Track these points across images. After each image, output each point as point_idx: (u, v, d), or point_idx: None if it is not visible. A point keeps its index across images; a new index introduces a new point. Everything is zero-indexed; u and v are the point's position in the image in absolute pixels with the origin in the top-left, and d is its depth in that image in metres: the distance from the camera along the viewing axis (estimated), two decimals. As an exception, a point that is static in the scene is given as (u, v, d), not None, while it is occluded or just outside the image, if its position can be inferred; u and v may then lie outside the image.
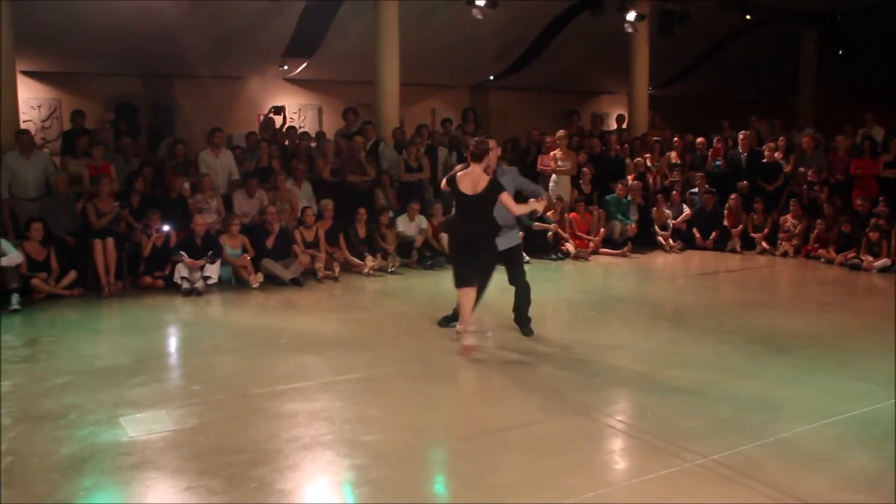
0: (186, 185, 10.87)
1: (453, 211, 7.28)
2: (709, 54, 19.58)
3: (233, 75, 15.98)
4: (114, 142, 11.90)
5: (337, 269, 10.62)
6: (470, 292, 6.86)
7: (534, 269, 11.42)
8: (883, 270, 11.07)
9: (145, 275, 9.80)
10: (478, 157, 6.73)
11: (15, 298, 8.52)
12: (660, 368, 6.48)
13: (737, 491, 4.13)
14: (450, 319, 7.53)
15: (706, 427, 5.04)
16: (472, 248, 6.87)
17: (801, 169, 13.42)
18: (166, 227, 9.97)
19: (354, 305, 9.39)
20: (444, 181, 7.07)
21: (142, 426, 5.06)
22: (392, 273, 11.00)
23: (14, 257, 8.75)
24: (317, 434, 4.95)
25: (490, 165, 6.90)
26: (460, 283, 6.90)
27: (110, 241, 9.57)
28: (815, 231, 12.34)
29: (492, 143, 6.95)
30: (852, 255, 11.52)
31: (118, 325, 8.60)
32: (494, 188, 6.67)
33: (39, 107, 14.61)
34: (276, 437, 4.89)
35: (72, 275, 9.36)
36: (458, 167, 7.08)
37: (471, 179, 6.70)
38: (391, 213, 11.71)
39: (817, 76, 18.74)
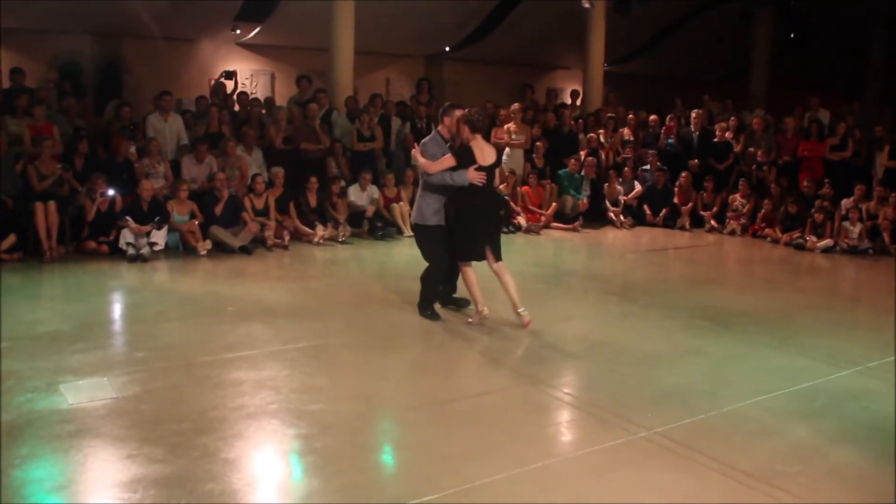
0: (133, 149, 10.61)
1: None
2: (665, 33, 19.70)
3: (184, 37, 15.62)
4: (57, 102, 11.56)
5: (287, 238, 10.51)
6: (472, 269, 6.75)
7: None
8: (826, 251, 11.32)
9: (89, 240, 9.58)
10: (480, 128, 6.68)
11: (-49, 261, 8.26)
12: (608, 342, 6.54)
13: (681, 463, 4.19)
14: (450, 302, 7.36)
15: (652, 400, 5.10)
16: (493, 216, 6.91)
17: (751, 149, 13.62)
18: (111, 192, 9.73)
19: (304, 275, 9.30)
20: (449, 156, 6.58)
21: (82, 393, 4.94)
22: (342, 243, 10.92)
23: (-50, 218, 8.47)
24: (262, 403, 4.89)
25: (463, 135, 6.69)
26: (478, 255, 6.70)
27: (52, 204, 9.30)
28: (763, 211, 12.56)
29: (459, 111, 6.83)
30: (797, 235, 11.75)
31: (60, 291, 8.39)
32: (500, 159, 6.69)
33: (-23, 64, 14.08)
34: (221, 406, 4.82)
35: (11, 238, 9.08)
36: (428, 139, 6.94)
37: (481, 150, 6.60)
38: (343, 183, 11.59)
39: (770, 58, 18.97)
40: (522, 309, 6.70)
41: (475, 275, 6.76)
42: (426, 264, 6.98)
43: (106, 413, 4.67)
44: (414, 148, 6.81)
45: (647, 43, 20.06)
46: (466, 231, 6.66)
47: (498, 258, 6.82)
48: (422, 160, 6.69)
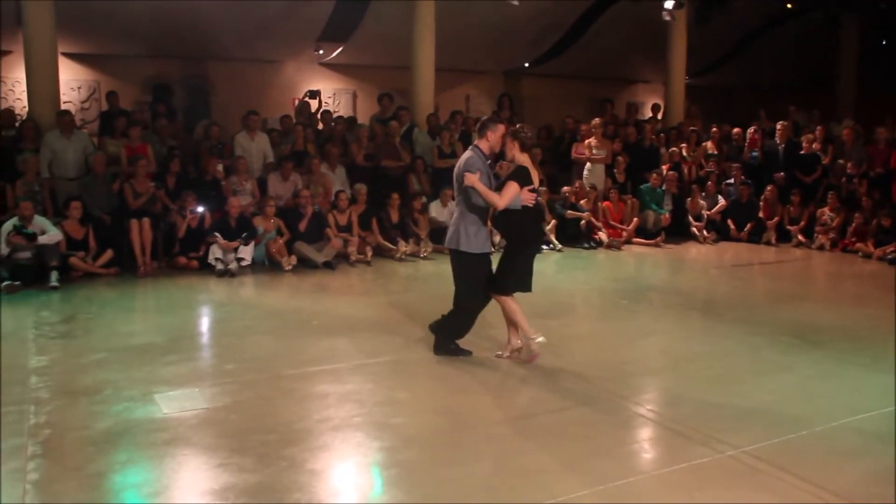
0: (220, 168, 10.96)
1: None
2: (747, 42, 19.27)
3: (268, 59, 16.07)
4: (150, 123, 12.04)
5: (369, 254, 10.67)
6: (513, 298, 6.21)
7: (566, 258, 11.43)
8: (922, 265, 10.88)
9: (180, 255, 9.93)
10: (530, 147, 6.29)
11: (54, 276, 8.67)
12: (691, 358, 6.45)
13: (769, 483, 4.10)
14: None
15: (738, 419, 5.00)
16: (540, 242, 6.44)
17: (840, 161, 13.21)
18: (201, 209, 10.07)
19: (386, 290, 9.42)
20: (514, 185, 5.96)
21: (175, 403, 5.14)
22: (424, 258, 11.02)
23: (53, 235, 8.90)
24: (347, 416, 4.99)
25: (511, 153, 6.13)
26: (527, 286, 6.18)
27: (146, 221, 9.70)
28: (853, 224, 12.14)
29: (502, 125, 6.22)
30: (891, 249, 11.33)
31: (153, 305, 8.71)
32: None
33: (79, 88, 14.83)
34: (306, 418, 4.94)
35: (108, 254, 9.50)
36: (470, 158, 6.07)
37: (533, 171, 6.19)
38: (424, 199, 11.72)
39: (858, 66, 18.37)
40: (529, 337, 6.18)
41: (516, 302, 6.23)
42: None
43: (198, 423, 4.85)
44: (466, 178, 5.94)
45: (729, 53, 19.64)
46: (523, 261, 6.14)
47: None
48: (492, 196, 5.92)
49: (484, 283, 6.20)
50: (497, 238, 6.03)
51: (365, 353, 6.41)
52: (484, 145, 6.12)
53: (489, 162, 6.19)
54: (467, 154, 6.15)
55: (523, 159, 6.11)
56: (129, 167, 10.37)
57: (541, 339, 6.14)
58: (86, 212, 9.58)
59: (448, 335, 6.37)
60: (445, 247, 6.43)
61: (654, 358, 6.52)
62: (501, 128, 6.16)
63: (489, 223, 6.27)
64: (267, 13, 13.74)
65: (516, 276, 6.13)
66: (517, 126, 6.29)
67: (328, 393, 5.43)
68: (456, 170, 6.21)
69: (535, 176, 6.18)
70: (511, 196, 5.92)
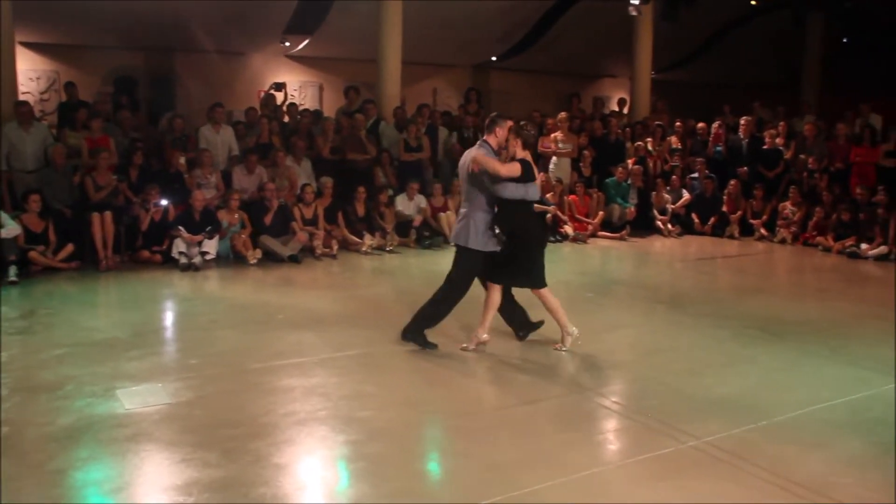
0: (182, 160, 10.82)
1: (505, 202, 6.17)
2: (713, 39, 19.48)
3: (234, 51, 15.91)
4: (112, 115, 11.86)
5: (335, 247, 10.62)
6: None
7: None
8: (880, 259, 11.07)
9: (143, 249, 9.80)
10: (531, 144, 6.38)
11: (13, 270, 8.51)
12: (656, 351, 6.52)
13: (731, 473, 4.15)
14: (529, 327, 6.67)
15: (701, 410, 5.06)
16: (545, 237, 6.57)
17: (802, 156, 13.40)
18: (164, 202, 9.95)
19: (352, 283, 9.40)
20: (517, 164, 6.04)
21: (138, 399, 5.07)
22: (390, 252, 11.00)
23: (12, 229, 8.73)
24: (313, 409, 4.96)
25: (513, 149, 6.18)
26: (543, 282, 6.30)
27: (108, 214, 9.54)
28: (814, 219, 12.34)
29: (509, 122, 6.30)
30: (850, 243, 11.52)
31: (115, 299, 8.60)
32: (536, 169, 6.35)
33: (38, 78, 14.55)
34: (272, 412, 4.91)
35: (69, 248, 9.34)
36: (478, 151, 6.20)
37: (534, 167, 6.28)
38: (390, 192, 11.69)
39: (822, 64, 18.64)
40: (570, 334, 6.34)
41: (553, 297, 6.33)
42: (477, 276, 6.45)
43: (161, 418, 4.79)
44: (473, 154, 6.13)
45: (696, 50, 19.84)
46: (537, 255, 6.27)
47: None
48: (491, 162, 6.01)
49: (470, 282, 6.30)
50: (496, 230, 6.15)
51: (331, 346, 6.38)
52: (493, 140, 6.25)
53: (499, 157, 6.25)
54: (476, 148, 6.28)
55: (525, 156, 6.19)
56: (91, 159, 10.18)
57: (575, 331, 6.32)
58: (45, 205, 9.39)
59: (422, 322, 6.34)
60: (452, 243, 6.51)
61: (619, 351, 6.57)
62: (510, 124, 6.27)
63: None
64: (233, 4, 13.59)
65: (526, 273, 6.22)
66: (521, 123, 6.38)
67: (294, 387, 5.40)
68: (462, 162, 6.35)
69: (537, 171, 6.30)
70: (513, 170, 5.99)
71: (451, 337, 6.59)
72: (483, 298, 6.37)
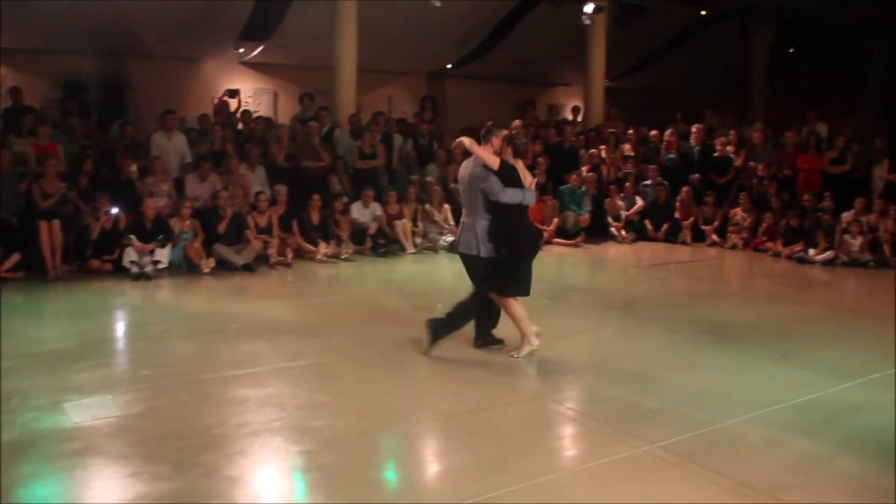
0: (134, 168, 10.65)
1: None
2: (666, 48, 19.77)
3: (187, 56, 15.72)
4: (61, 121, 11.63)
5: (290, 255, 10.54)
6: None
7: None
8: (827, 263, 11.33)
9: (93, 258, 9.62)
10: (523, 153, 6.42)
11: (-44, 280, 8.30)
12: (610, 356, 6.57)
13: (683, 476, 4.19)
14: (490, 340, 6.66)
15: (655, 414, 5.11)
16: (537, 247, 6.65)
17: (751, 163, 13.66)
18: (115, 210, 9.78)
19: (307, 292, 9.33)
20: (498, 159, 6.22)
21: (86, 412, 4.97)
22: (345, 260, 10.95)
23: (-45, 238, 8.52)
24: (266, 420, 4.91)
25: (504, 157, 6.31)
26: (527, 290, 6.36)
27: (56, 223, 9.36)
28: (764, 224, 12.58)
29: (504, 131, 6.46)
30: (798, 248, 11.77)
31: (64, 310, 8.42)
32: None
33: (-19, 84, 14.17)
34: (225, 423, 4.84)
35: (15, 257, 9.14)
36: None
37: (524, 175, 6.34)
38: (345, 200, 11.64)
39: (769, 72, 19.04)
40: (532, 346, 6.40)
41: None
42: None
43: (110, 431, 4.70)
44: (465, 141, 6.32)
45: (648, 58, 20.12)
46: (526, 264, 6.30)
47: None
48: (487, 156, 6.17)
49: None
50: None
51: (285, 356, 6.32)
52: (489, 149, 6.36)
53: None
54: (473, 158, 6.43)
55: (516, 164, 6.31)
56: (38, 167, 9.98)
57: (536, 343, 6.37)
58: (-9, 213, 9.20)
59: (450, 325, 6.43)
60: (458, 252, 6.59)
61: (575, 357, 6.61)
62: (504, 133, 6.43)
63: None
64: (187, 8, 13.44)
65: (512, 281, 6.28)
66: (513, 132, 6.52)
67: (247, 397, 5.33)
68: (462, 172, 6.53)
69: (528, 182, 6.37)
70: (493, 161, 6.15)
71: (401, 344, 6.58)
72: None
